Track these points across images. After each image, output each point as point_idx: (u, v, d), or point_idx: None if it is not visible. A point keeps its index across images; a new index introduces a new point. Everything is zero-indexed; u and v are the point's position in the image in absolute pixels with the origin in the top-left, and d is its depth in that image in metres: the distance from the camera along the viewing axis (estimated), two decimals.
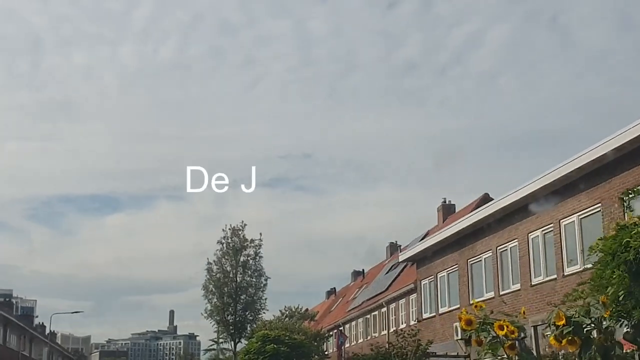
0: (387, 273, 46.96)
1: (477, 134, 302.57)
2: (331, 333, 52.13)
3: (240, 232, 28.54)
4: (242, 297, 27.92)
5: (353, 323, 49.60)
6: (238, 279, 28.12)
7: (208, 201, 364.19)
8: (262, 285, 28.27)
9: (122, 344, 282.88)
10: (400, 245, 49.21)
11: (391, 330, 41.30)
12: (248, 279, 28.06)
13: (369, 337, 45.59)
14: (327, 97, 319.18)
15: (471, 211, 30.90)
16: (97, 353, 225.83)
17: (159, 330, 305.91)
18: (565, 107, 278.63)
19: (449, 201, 42.96)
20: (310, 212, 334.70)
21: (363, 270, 57.91)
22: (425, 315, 30.60)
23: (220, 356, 69.49)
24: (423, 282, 31.24)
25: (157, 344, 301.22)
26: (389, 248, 53.21)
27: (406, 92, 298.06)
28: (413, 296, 37.88)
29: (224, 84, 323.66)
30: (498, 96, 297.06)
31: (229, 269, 28.16)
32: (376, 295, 44.34)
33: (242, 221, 28.96)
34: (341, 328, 50.91)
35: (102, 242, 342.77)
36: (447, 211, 42.46)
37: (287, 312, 53.35)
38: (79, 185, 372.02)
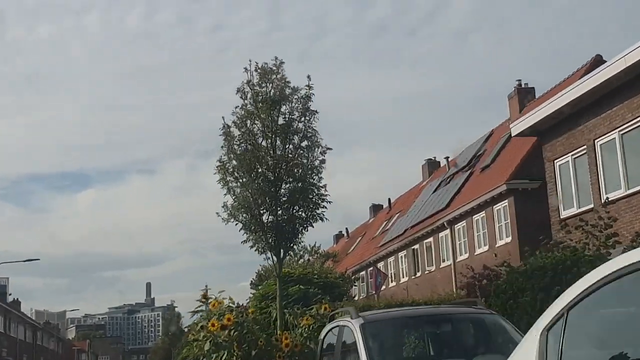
0: (435, 191, 35.13)
1: (450, 93, 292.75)
2: (356, 275, 40.44)
3: (273, 75, 16.18)
4: (286, 181, 15.77)
5: (391, 259, 37.80)
6: (277, 151, 15.98)
7: (180, 172, 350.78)
8: (317, 162, 16.18)
9: (99, 318, 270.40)
10: (448, 157, 37.28)
11: (460, 258, 29.55)
12: (293, 150, 15.98)
13: (419, 273, 33.85)
14: (298, 62, 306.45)
15: (581, 76, 19.08)
16: (74, 328, 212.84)
17: (136, 304, 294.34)
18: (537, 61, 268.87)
19: (526, 84, 31.08)
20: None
21: (389, 199, 46.08)
22: (566, 213, 18.79)
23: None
24: (559, 163, 19.33)
25: (135, 317, 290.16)
26: (426, 166, 41.30)
27: (377, 54, 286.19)
28: (500, 206, 26.13)
29: (193, 51, 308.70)
30: (469, 54, 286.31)
31: (260, 138, 15.96)
32: (429, 217, 32.49)
33: (276, 57, 16.55)
34: (371, 268, 39.19)
35: (74, 218, 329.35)
36: (524, 96, 30.63)
37: (301, 252, 41.55)
38: (48, 162, 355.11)
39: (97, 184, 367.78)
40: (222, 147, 16.03)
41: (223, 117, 16.08)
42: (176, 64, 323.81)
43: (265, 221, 15.84)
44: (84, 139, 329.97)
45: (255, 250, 15.93)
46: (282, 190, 15.95)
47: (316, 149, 16.19)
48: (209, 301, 15.05)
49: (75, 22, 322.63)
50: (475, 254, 27.98)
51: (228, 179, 15.90)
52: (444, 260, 31.13)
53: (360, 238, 48.25)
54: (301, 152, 16.09)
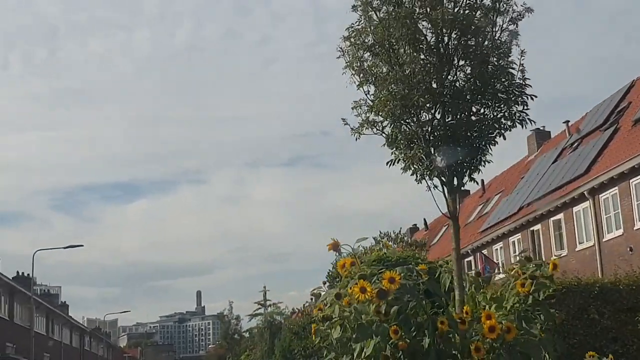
0: (555, 161, 28.26)
1: None
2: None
3: None
4: (459, 63, 9.41)
5: (497, 246, 30.92)
6: (442, 16, 9.59)
7: (229, 183, 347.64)
8: (505, 34, 9.81)
9: (150, 326, 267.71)
10: (567, 122, 30.22)
11: (608, 237, 22.65)
12: (467, 13, 9.66)
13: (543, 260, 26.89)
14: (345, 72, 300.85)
15: None
16: (125, 336, 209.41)
17: (187, 312, 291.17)
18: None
19: None
20: (330, 189, 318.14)
21: (482, 180, 39.13)
22: None
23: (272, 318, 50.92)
24: None
25: (186, 325, 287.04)
26: (534, 136, 34.22)
27: None
28: None
29: (240, 64, 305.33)
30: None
31: None
32: (557, 189, 25.60)
33: None
34: (470, 257, 32.48)
35: (126, 229, 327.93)
36: None
37: (385, 239, 35.14)
38: (100, 173, 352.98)
39: (148, 194, 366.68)
40: (352, 7, 9.61)
41: None
42: (223, 78, 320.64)
43: (426, 127, 9.35)
44: (135, 151, 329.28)
45: (412, 174, 9.40)
46: (452, 77, 9.45)
47: (504, 15, 9.66)
48: (341, 255, 8.42)
49: (125, 37, 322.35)
50: (635, 228, 21.08)
51: (365, 60, 9.46)
52: (581, 242, 24.22)
53: (445, 227, 41.41)
54: (481, 16, 9.57)
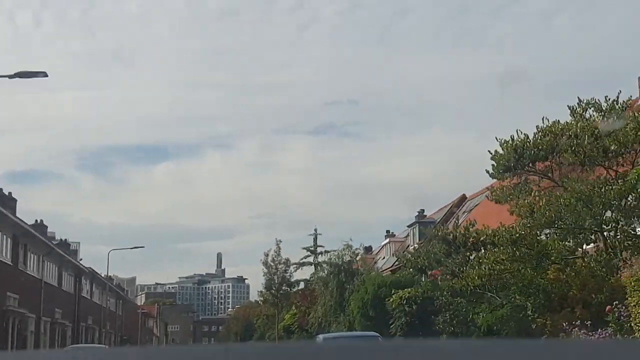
0: None
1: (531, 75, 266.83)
2: None
3: None
4: None
5: None
6: None
7: (255, 149, 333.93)
8: None
9: (169, 287, 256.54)
10: None
11: None
12: None
13: None
14: (378, 42, 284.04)
15: None
16: (144, 295, 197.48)
17: (206, 274, 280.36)
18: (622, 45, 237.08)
19: None
20: (356, 159, 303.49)
21: None
22: None
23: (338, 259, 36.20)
24: None
25: (205, 287, 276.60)
26: None
27: (460, 34, 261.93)
28: None
29: (273, 30, 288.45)
30: (554, 36, 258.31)
31: None
32: None
33: None
34: None
35: (151, 190, 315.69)
36: None
37: (592, 108, 20.33)
38: (127, 135, 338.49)
39: (174, 158, 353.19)
40: None
41: None
42: (256, 43, 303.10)
43: None
44: (163, 114, 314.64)
45: None
46: None
47: None
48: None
49: None
50: None
51: None
52: None
53: None
54: None
